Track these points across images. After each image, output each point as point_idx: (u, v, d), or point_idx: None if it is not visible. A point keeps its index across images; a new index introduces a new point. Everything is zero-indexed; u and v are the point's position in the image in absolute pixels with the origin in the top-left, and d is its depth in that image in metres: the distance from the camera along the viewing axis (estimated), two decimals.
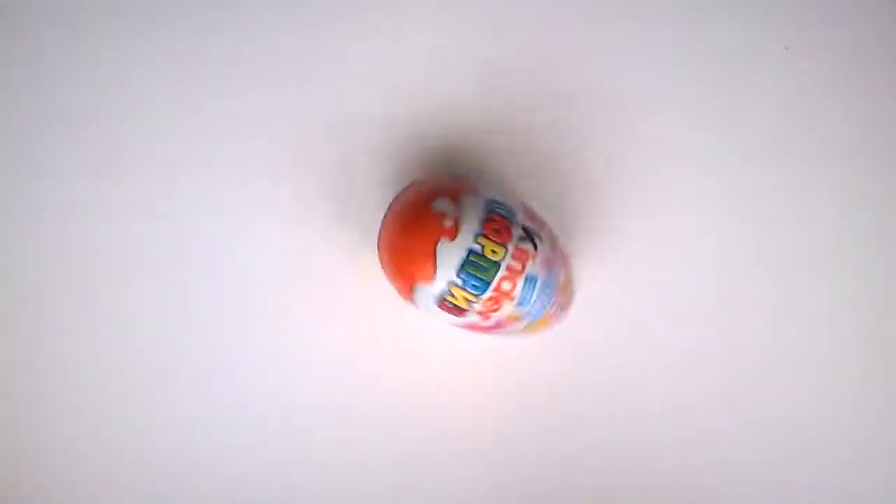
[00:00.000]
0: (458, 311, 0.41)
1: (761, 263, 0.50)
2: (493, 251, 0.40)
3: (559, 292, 0.43)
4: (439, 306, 0.41)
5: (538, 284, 0.41)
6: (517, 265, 0.40)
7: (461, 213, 0.41)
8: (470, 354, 0.50)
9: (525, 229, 0.42)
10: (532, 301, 0.42)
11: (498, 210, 0.41)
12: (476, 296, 0.40)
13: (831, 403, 0.50)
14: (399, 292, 0.44)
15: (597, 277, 0.49)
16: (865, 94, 0.50)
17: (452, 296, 0.41)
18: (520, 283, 0.41)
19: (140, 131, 0.51)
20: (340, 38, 0.50)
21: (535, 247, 0.41)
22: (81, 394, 0.50)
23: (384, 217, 0.44)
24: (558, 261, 0.43)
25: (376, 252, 0.44)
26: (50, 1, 0.51)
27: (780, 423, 0.49)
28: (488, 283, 0.40)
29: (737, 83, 0.50)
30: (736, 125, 0.50)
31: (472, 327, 0.43)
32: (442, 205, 0.41)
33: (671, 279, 0.50)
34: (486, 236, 0.40)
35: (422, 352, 0.50)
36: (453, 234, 0.40)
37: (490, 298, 0.40)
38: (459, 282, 0.40)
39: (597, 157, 0.50)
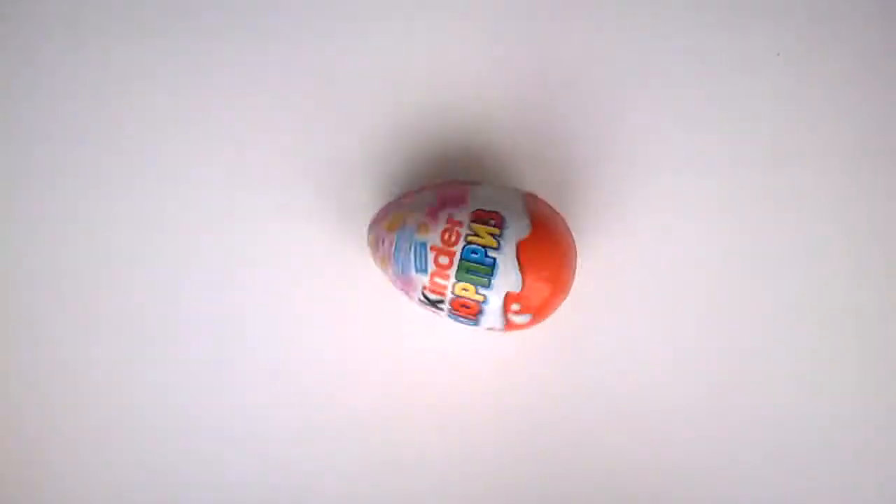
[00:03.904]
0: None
1: (759, 266, 0.50)
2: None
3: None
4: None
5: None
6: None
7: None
8: (464, 350, 0.50)
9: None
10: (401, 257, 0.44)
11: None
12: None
13: (830, 403, 0.50)
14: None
15: (595, 278, 0.49)
16: (859, 97, 0.50)
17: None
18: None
19: (140, 136, 0.51)
20: (339, 42, 0.51)
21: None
22: (83, 396, 0.50)
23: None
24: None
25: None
26: (50, 7, 0.51)
27: (778, 424, 0.49)
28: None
29: (734, 86, 0.50)
30: (733, 128, 0.50)
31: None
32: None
33: (670, 280, 0.50)
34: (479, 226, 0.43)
35: (418, 351, 0.50)
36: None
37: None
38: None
39: (596, 161, 0.50)
